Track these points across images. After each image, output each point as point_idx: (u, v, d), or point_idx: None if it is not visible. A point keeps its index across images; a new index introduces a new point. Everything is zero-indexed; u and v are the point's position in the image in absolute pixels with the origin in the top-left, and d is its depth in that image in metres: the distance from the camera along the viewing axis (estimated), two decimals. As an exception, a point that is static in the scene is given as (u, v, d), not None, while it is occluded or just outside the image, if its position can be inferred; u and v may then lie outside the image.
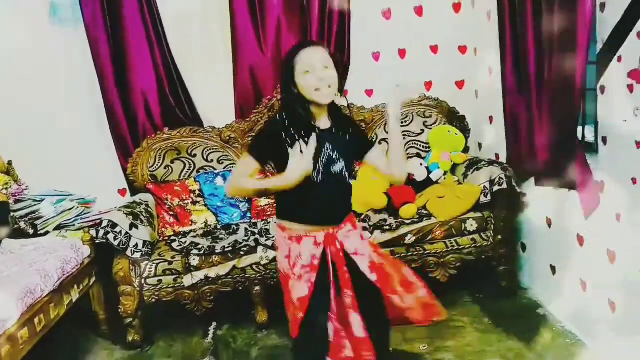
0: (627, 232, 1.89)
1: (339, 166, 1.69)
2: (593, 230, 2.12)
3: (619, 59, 1.78)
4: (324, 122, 1.71)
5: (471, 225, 2.60)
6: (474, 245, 2.63)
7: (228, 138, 3.12)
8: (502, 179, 2.53)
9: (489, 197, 2.56)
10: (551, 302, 2.54)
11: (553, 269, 2.49)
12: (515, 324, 2.45)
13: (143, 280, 2.56)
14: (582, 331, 2.28)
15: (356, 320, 1.66)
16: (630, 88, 1.76)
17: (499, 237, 2.62)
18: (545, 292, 2.61)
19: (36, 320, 2.08)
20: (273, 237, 2.56)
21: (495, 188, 2.54)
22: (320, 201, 1.67)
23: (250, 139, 3.11)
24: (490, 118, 2.98)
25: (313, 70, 1.61)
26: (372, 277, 1.74)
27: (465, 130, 3.15)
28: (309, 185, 1.61)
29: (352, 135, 1.75)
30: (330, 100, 1.66)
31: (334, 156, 1.67)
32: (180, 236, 2.77)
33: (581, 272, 2.24)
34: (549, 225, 2.48)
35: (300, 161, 1.54)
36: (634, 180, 1.81)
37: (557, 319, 2.45)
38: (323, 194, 1.67)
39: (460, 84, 3.33)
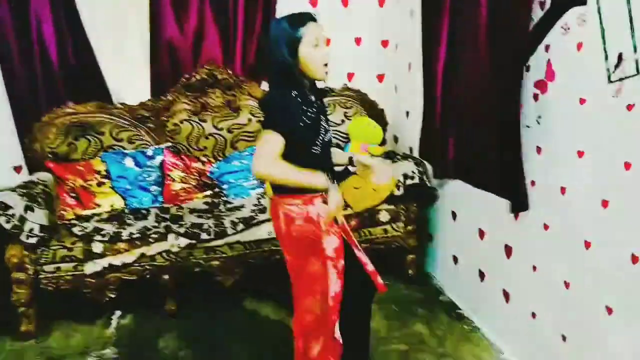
0: (523, 230, 2.05)
1: (329, 134, 1.74)
2: (493, 226, 2.27)
3: (527, 69, 1.90)
4: (311, 94, 1.69)
5: (384, 216, 2.68)
6: (385, 235, 2.72)
7: (140, 116, 2.94)
8: (415, 173, 2.63)
9: (401, 190, 2.64)
10: (452, 290, 2.71)
11: (455, 259, 2.65)
12: (419, 311, 2.59)
13: (39, 267, 2.37)
14: (478, 318, 2.46)
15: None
16: (535, 97, 1.89)
17: (409, 227, 2.73)
18: (447, 280, 2.77)
19: None
20: (185, 224, 2.48)
21: (408, 182, 2.63)
22: (321, 169, 1.67)
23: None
24: (407, 113, 3.07)
25: (322, 45, 1.59)
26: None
27: (383, 123, 3.22)
28: (312, 157, 1.65)
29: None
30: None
31: (326, 125, 1.72)
32: (83, 220, 2.58)
33: (480, 263, 2.40)
34: (454, 218, 2.63)
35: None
36: (532, 183, 1.95)
37: (457, 306, 2.61)
38: (323, 162, 1.71)
39: (380, 78, 3.39)
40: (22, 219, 2.29)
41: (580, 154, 1.70)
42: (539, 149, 1.90)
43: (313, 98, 1.68)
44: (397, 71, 3.19)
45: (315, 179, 1.61)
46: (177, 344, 2.39)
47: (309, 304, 1.75)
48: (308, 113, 1.61)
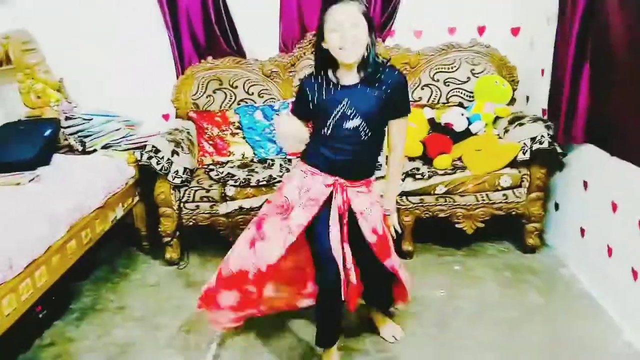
0: (664, 206, 1.85)
1: (353, 123, 1.71)
2: (628, 199, 2.07)
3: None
4: (351, 77, 1.72)
5: (505, 181, 2.57)
6: (505, 200, 2.62)
7: (270, 72, 3.12)
8: (544, 137, 2.46)
9: (527, 155, 2.50)
10: (576, 264, 2.55)
11: (582, 231, 2.47)
12: (536, 281, 2.49)
13: (182, 204, 2.71)
14: (602, 295, 2.30)
15: (352, 270, 1.84)
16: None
17: (532, 195, 2.60)
18: (571, 253, 2.60)
19: (83, 233, 2.27)
20: (306, 175, 2.63)
21: (535, 146, 2.48)
22: (329, 153, 1.75)
23: (291, 73, 3.12)
24: (542, 71, 2.84)
25: (341, 29, 1.62)
26: (371, 238, 1.84)
27: (514, 81, 3.02)
28: (321, 136, 1.76)
29: (388, 95, 1.71)
30: (355, 59, 1.67)
31: (349, 112, 1.70)
32: (218, 166, 2.88)
33: (609, 238, 2.22)
34: (585, 188, 2.44)
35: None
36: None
37: (578, 281, 2.46)
38: (332, 147, 1.75)
39: (515, 31, 3.16)
40: (169, 162, 2.62)
41: None
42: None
43: (342, 82, 1.72)
44: (534, 24, 2.93)
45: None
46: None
47: None
48: (323, 96, 1.72)
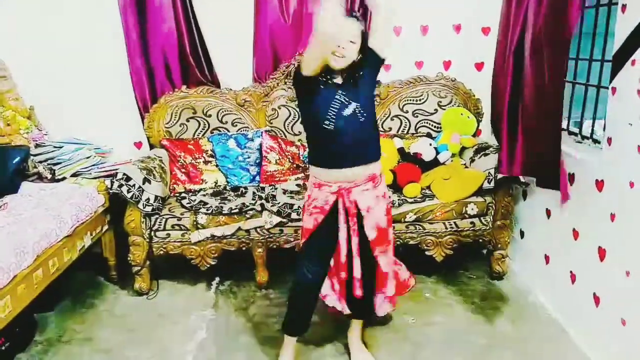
0: (620, 232, 1.94)
1: (350, 108, 1.84)
2: (588, 227, 2.17)
3: (633, 63, 1.78)
4: (338, 78, 1.88)
5: (472, 209, 2.66)
6: (472, 228, 2.69)
7: (243, 101, 3.17)
8: (507, 167, 2.57)
9: (492, 183, 2.60)
10: (542, 290, 2.62)
11: (547, 258, 2.56)
12: (504, 307, 2.55)
13: (152, 233, 2.69)
14: (566, 320, 2.37)
15: (357, 263, 1.98)
16: (640, 93, 1.77)
17: (498, 223, 2.68)
18: (537, 279, 2.68)
19: (50, 262, 2.22)
20: (279, 203, 2.66)
21: (500, 175, 2.58)
22: (335, 145, 1.86)
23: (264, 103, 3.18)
24: (505, 103, 2.98)
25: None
26: (371, 234, 1.98)
27: (479, 113, 3.15)
28: (324, 132, 1.85)
29: (365, 66, 1.86)
30: (343, 66, 1.82)
31: (345, 100, 1.84)
32: (191, 194, 2.87)
33: (572, 265, 2.31)
34: (548, 217, 2.53)
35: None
36: (631, 184, 1.84)
37: (544, 307, 2.53)
38: (337, 138, 1.85)
39: (479, 66, 3.31)
40: (141, 190, 2.60)
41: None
42: (639, 148, 1.79)
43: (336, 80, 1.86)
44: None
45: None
46: (265, 311, 2.59)
47: None
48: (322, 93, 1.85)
